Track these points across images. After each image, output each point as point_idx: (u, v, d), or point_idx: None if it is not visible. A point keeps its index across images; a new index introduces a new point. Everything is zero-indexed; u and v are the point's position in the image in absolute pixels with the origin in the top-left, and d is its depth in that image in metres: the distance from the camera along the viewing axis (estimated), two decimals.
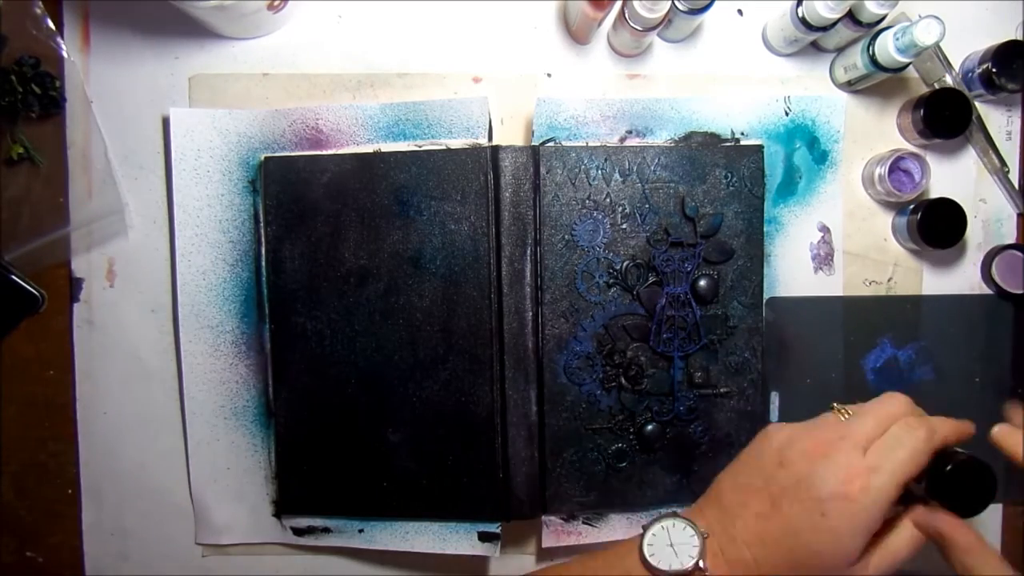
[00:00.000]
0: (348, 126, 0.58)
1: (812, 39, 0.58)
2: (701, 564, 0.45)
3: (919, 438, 0.45)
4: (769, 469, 0.46)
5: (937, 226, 0.58)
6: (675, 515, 0.48)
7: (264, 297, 0.59)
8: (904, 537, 0.46)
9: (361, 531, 0.60)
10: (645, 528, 0.47)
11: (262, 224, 0.58)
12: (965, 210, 0.58)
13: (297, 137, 0.58)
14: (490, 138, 0.58)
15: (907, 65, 0.55)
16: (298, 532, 0.60)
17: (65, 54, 0.58)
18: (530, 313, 0.57)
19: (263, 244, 0.58)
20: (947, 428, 0.47)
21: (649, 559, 0.46)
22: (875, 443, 0.45)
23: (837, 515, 0.43)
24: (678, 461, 0.59)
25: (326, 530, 0.60)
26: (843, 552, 0.44)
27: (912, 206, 0.59)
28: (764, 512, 0.45)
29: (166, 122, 0.59)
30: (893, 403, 0.47)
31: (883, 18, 0.54)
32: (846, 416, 0.47)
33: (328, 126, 0.58)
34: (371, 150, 0.58)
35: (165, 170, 0.60)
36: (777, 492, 0.45)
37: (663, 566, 0.45)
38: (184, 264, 0.59)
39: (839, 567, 0.44)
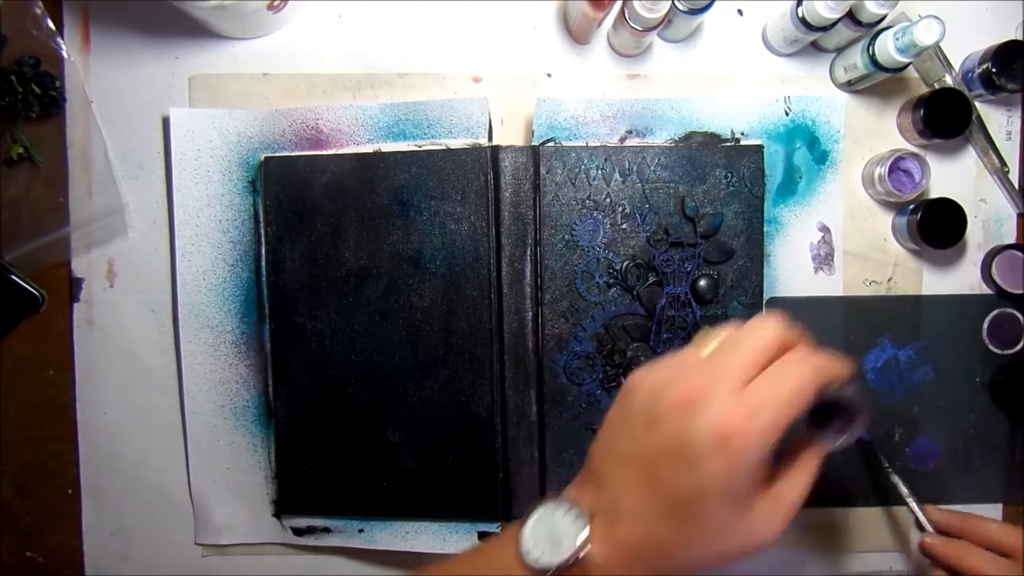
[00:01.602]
0: (348, 126, 0.58)
1: (812, 39, 0.58)
2: (581, 555, 0.39)
3: (804, 378, 0.38)
4: (639, 431, 0.40)
5: (937, 226, 0.58)
6: (555, 498, 0.41)
7: (264, 297, 0.59)
8: (800, 483, 0.40)
9: (361, 531, 0.60)
10: (526, 516, 0.40)
11: (262, 224, 0.58)
12: (965, 210, 0.58)
13: (297, 137, 0.58)
14: (490, 138, 0.58)
15: (907, 65, 0.55)
16: (298, 532, 0.60)
17: (65, 54, 0.58)
18: (530, 313, 0.57)
19: (263, 244, 0.58)
20: (833, 367, 0.40)
21: (525, 556, 0.39)
22: (754, 381, 0.38)
23: (718, 471, 0.37)
24: None
25: (326, 530, 0.60)
26: (733, 507, 0.38)
27: (912, 206, 0.59)
28: (645, 481, 0.39)
29: (166, 122, 0.59)
30: (765, 329, 0.40)
31: (883, 18, 0.54)
32: (709, 347, 0.41)
33: (328, 126, 0.58)
34: (371, 150, 0.58)
35: (165, 170, 0.60)
36: (653, 457, 0.39)
37: (542, 562, 0.39)
38: (184, 264, 0.59)
39: (734, 523, 0.39)
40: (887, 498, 0.61)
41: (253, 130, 0.58)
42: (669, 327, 0.57)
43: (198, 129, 0.58)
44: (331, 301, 0.58)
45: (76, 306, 0.61)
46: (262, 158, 0.58)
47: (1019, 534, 0.49)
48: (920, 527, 0.53)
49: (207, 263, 0.59)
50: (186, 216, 0.59)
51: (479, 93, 0.60)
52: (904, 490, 0.53)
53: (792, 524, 0.59)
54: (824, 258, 0.61)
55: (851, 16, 0.54)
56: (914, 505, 0.53)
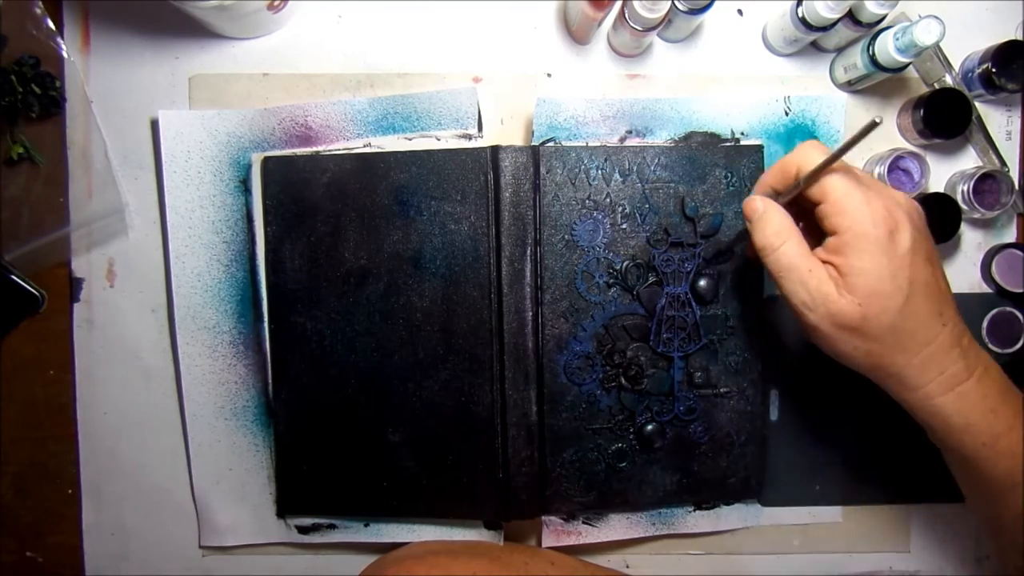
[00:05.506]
0: (337, 122, 0.58)
1: (812, 39, 0.58)
2: None
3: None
4: None
5: (931, 221, 0.58)
6: None
7: (260, 296, 0.59)
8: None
9: (367, 525, 0.60)
10: None
11: (259, 224, 0.58)
12: (963, 208, 0.58)
13: (287, 135, 0.58)
14: (480, 128, 0.58)
15: (907, 65, 0.55)
16: (303, 530, 0.60)
17: (65, 54, 0.58)
18: (530, 313, 0.57)
19: (259, 244, 0.58)
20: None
21: None
22: None
23: None
24: (678, 461, 0.59)
25: (331, 526, 0.60)
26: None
27: None
28: None
29: (155, 124, 0.58)
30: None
31: (883, 18, 0.54)
32: None
33: (317, 122, 0.58)
34: (361, 144, 0.58)
35: (156, 173, 0.60)
36: None
37: None
38: (179, 266, 0.59)
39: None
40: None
41: (243, 129, 0.58)
42: (669, 327, 0.57)
43: (188, 131, 0.58)
44: (331, 301, 0.58)
45: (76, 306, 0.61)
46: (253, 157, 0.58)
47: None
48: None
49: (202, 264, 0.59)
50: (179, 218, 0.58)
51: (467, 84, 0.60)
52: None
53: (792, 524, 0.59)
54: None
55: (851, 16, 0.54)
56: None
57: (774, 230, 0.46)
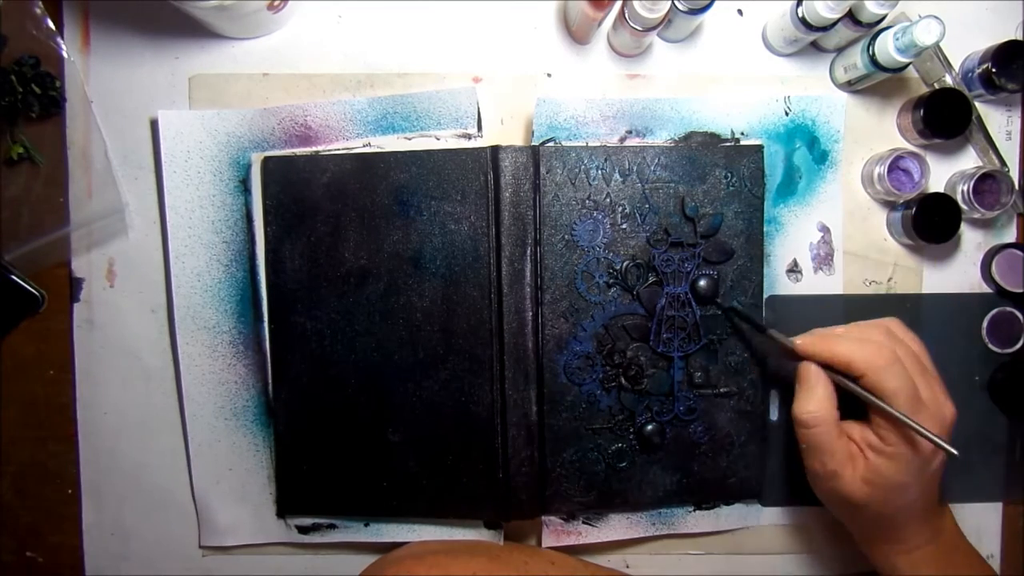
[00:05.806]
0: (337, 121, 0.58)
1: (812, 39, 0.58)
2: None
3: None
4: None
5: (932, 221, 0.58)
6: None
7: (260, 296, 0.59)
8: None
9: (367, 525, 0.60)
10: None
11: (259, 224, 0.58)
12: (963, 208, 0.58)
13: (287, 135, 0.58)
14: (479, 127, 0.58)
15: (907, 65, 0.55)
16: (303, 530, 0.60)
17: (65, 54, 0.58)
18: (530, 313, 0.57)
19: (259, 244, 0.58)
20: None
21: None
22: None
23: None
24: (678, 461, 0.59)
25: (331, 526, 0.60)
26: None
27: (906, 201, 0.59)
28: None
29: (154, 125, 0.58)
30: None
31: (883, 18, 0.54)
32: None
33: (316, 122, 0.58)
34: (361, 144, 0.58)
35: (156, 172, 0.60)
36: None
37: None
38: (178, 266, 0.59)
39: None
40: None
41: (242, 129, 0.58)
42: (669, 327, 0.57)
43: (187, 131, 0.58)
44: (331, 301, 0.58)
45: (76, 306, 0.61)
46: (253, 157, 0.58)
47: (869, 328, 0.51)
48: (789, 347, 0.53)
49: (201, 264, 0.59)
50: (178, 218, 0.58)
51: (467, 83, 0.60)
52: (775, 332, 0.54)
53: (792, 524, 0.59)
54: (824, 258, 0.61)
55: (851, 16, 0.54)
56: (781, 336, 0.53)
57: (812, 409, 0.50)
